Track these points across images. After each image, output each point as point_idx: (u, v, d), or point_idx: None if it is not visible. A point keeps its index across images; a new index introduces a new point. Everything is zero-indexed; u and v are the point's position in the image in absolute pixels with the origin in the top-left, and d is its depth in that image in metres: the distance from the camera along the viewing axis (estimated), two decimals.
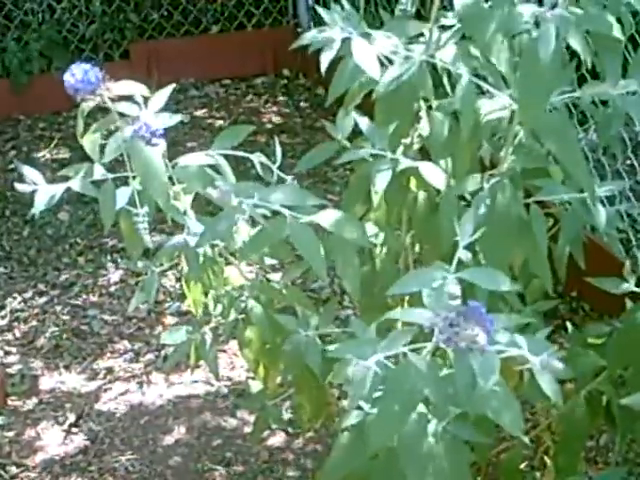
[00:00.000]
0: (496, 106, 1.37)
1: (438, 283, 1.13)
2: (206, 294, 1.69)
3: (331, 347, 1.56)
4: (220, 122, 3.92)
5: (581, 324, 2.56)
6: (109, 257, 2.97)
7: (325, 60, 1.33)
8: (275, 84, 4.13)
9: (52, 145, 3.71)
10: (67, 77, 1.36)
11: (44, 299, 2.81)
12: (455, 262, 1.17)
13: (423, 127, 1.51)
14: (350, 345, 1.20)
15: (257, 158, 1.62)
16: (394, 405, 1.14)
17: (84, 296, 2.81)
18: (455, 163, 1.45)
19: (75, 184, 1.52)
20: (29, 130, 3.85)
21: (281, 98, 4.03)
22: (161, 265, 1.63)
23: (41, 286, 2.87)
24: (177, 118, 1.50)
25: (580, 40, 1.15)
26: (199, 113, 4.00)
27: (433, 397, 1.14)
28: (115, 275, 2.89)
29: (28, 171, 1.49)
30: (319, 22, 4.40)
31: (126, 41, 4.15)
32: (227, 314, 1.69)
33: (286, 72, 4.17)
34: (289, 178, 1.62)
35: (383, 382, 1.13)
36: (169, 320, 2.66)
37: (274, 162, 1.64)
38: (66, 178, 1.55)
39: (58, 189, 1.51)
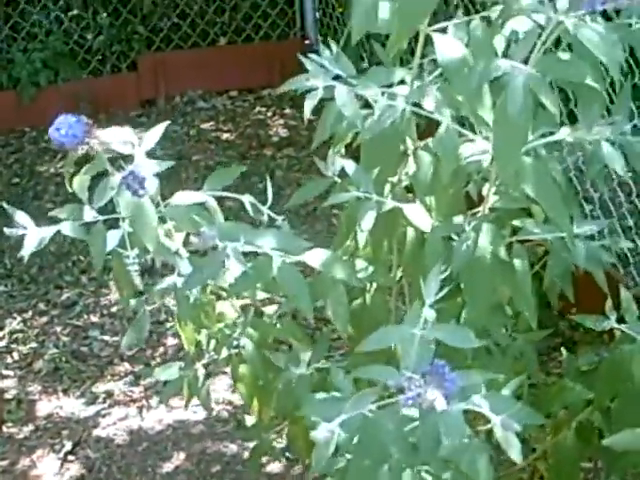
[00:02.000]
0: (477, 150, 1.39)
1: (407, 341, 1.15)
2: (199, 332, 1.71)
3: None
4: (227, 135, 3.95)
5: (581, 341, 2.58)
6: (112, 275, 2.99)
7: (307, 109, 1.36)
8: (282, 96, 4.14)
9: (56, 159, 3.74)
10: (52, 132, 1.37)
11: (44, 319, 2.82)
12: (422, 319, 1.19)
13: (410, 165, 1.54)
14: (316, 405, 1.22)
15: (247, 199, 1.63)
16: (365, 460, 1.16)
17: (85, 316, 2.83)
18: (438, 203, 1.46)
19: (65, 227, 1.53)
20: (34, 143, 3.89)
21: (288, 110, 4.04)
22: (153, 304, 1.65)
23: (42, 305, 2.89)
24: (167, 164, 1.50)
25: (549, 95, 1.16)
26: (206, 125, 4.02)
27: (400, 455, 1.15)
28: (117, 294, 2.90)
29: (18, 215, 1.50)
30: (326, 35, 4.45)
31: (133, 53, 4.18)
32: (220, 351, 1.71)
33: None
34: (280, 218, 1.63)
35: (350, 442, 1.15)
36: (170, 341, 2.68)
37: (265, 202, 1.65)
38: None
39: (47, 232, 1.53)
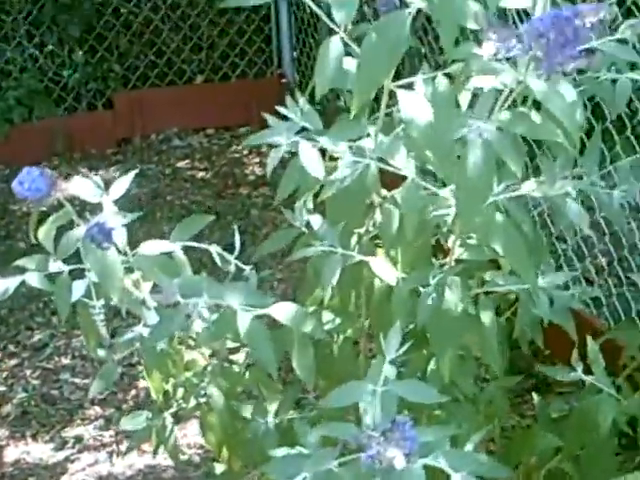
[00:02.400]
0: (442, 204, 1.39)
1: (368, 397, 1.15)
2: (167, 380, 1.70)
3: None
4: (202, 173, 3.95)
5: (555, 383, 2.58)
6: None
7: (270, 165, 1.36)
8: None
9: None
10: (15, 186, 1.37)
11: (14, 361, 2.79)
12: (383, 376, 1.19)
13: (377, 216, 1.54)
14: (279, 462, 1.22)
15: (214, 249, 1.63)
16: None
17: (56, 358, 2.80)
18: (404, 256, 1.47)
19: (31, 277, 1.52)
20: (6, 181, 3.86)
21: (264, 149, 4.05)
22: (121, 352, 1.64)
23: (11, 347, 2.86)
24: (132, 216, 1.50)
25: (511, 154, 1.17)
26: (181, 164, 4.02)
27: None
28: None
29: None
30: (303, 73, 4.46)
31: (110, 90, 4.18)
32: (188, 400, 1.70)
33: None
34: (247, 268, 1.63)
35: None
36: (142, 384, 2.66)
37: (232, 251, 1.65)
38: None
39: (12, 283, 1.52)
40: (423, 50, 2.96)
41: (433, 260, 1.57)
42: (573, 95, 1.15)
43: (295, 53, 4.28)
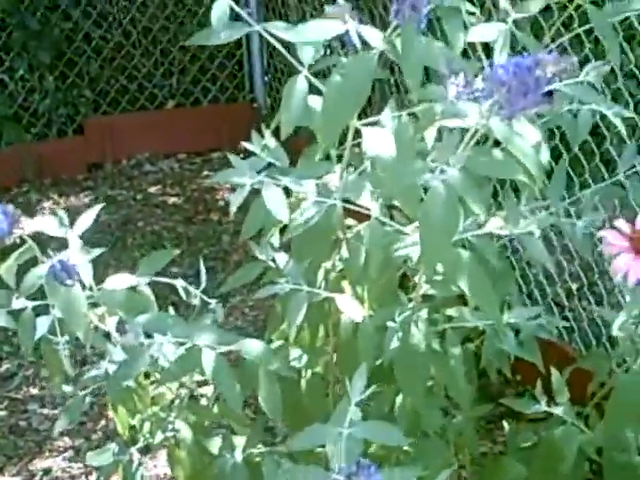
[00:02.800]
0: (407, 241, 1.40)
1: (333, 440, 1.15)
2: (133, 416, 1.70)
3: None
4: (174, 199, 3.94)
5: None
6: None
7: (234, 205, 1.36)
8: (230, 160, 4.14)
9: None
10: None
11: None
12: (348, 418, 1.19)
13: (344, 251, 1.55)
14: None
15: (180, 284, 1.63)
16: None
17: (24, 388, 2.76)
18: (370, 293, 1.47)
19: None
20: None
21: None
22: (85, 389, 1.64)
23: None
24: (97, 252, 1.50)
25: (473, 195, 1.17)
26: (153, 189, 4.01)
27: None
28: None
29: None
30: (275, 98, 4.45)
31: (80, 116, 4.16)
32: (155, 434, 1.70)
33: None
34: (213, 302, 1.63)
35: None
36: (112, 413, 2.63)
37: (198, 286, 1.65)
38: None
39: None
40: (394, 78, 2.98)
41: (400, 294, 1.58)
42: (536, 137, 1.17)
43: (267, 78, 4.29)
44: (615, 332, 1.45)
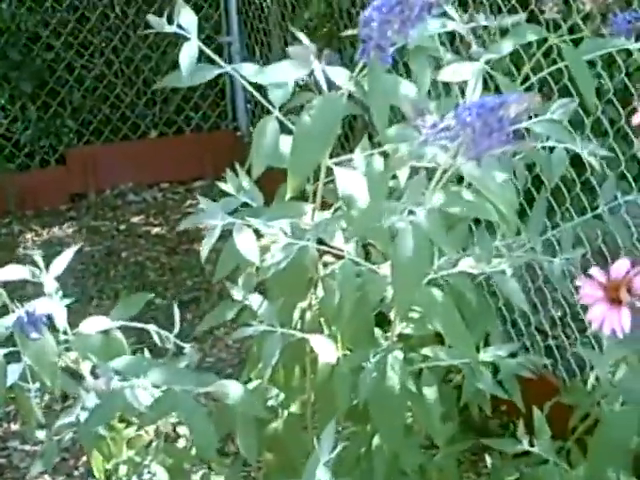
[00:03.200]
0: (380, 282, 1.39)
1: None
2: (108, 460, 1.68)
3: None
4: (157, 229, 3.92)
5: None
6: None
7: (205, 249, 1.35)
8: (212, 188, 4.14)
9: None
10: None
11: None
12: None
13: (319, 290, 1.53)
14: None
15: (154, 329, 1.61)
16: None
17: (5, 425, 2.73)
18: (344, 333, 1.46)
19: None
20: None
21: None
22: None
23: None
24: (67, 301, 1.49)
25: (442, 238, 1.16)
26: (136, 219, 4.00)
27: None
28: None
29: None
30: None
31: (63, 146, 4.15)
32: (131, 478, 1.68)
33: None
34: (188, 346, 1.61)
35: None
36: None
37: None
38: None
39: None
40: None
41: (377, 332, 1.57)
42: (502, 177, 1.16)
43: (249, 105, 4.29)
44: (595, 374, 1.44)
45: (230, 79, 4.27)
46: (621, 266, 1.08)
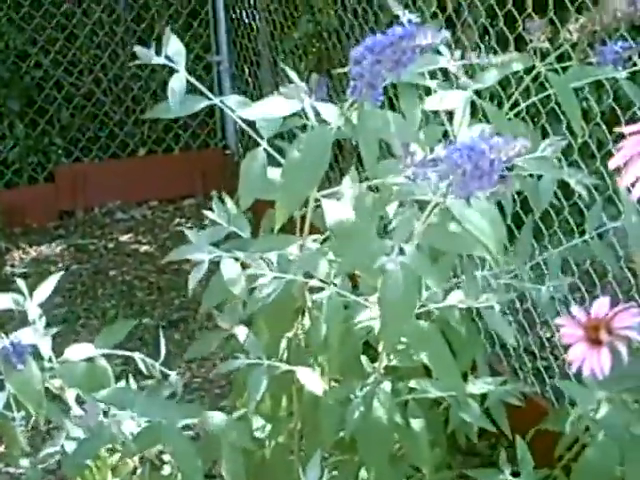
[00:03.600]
0: (367, 314, 1.39)
1: None
2: None
3: None
4: (145, 247, 3.91)
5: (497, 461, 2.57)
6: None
7: (192, 282, 1.34)
8: (201, 206, 4.13)
9: None
10: None
11: None
12: None
13: (306, 320, 1.53)
14: None
15: (138, 357, 1.60)
16: None
17: None
18: (331, 366, 1.45)
19: None
20: None
21: (207, 222, 4.02)
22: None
23: None
24: (52, 331, 1.48)
25: (430, 273, 1.16)
26: (124, 238, 3.99)
27: None
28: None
29: None
30: (247, 144, 4.44)
31: (51, 164, 4.14)
32: None
33: (214, 194, 4.18)
34: (173, 374, 1.60)
35: None
36: None
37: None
38: None
39: None
40: None
41: (364, 360, 1.56)
42: (493, 213, 1.16)
43: (238, 124, 4.28)
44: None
45: (220, 95, 4.25)
46: (601, 305, 1.08)
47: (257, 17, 3.89)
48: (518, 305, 2.62)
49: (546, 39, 1.62)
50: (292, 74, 1.23)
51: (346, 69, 1.11)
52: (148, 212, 4.18)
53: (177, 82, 1.31)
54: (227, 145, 4.32)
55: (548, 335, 2.77)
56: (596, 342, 1.05)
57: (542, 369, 2.64)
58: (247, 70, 4.07)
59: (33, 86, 4.08)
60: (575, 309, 1.06)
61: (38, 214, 4.05)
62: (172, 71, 4.40)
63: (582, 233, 1.88)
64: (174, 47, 1.32)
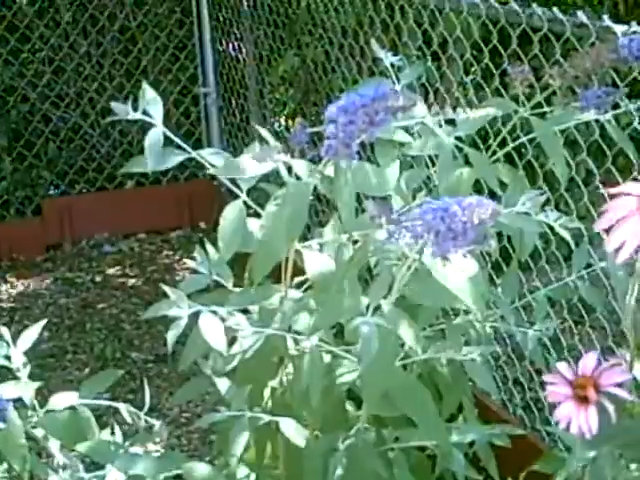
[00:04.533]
0: (349, 367, 1.38)
1: None
2: None
3: None
4: (133, 280, 3.90)
5: None
6: None
7: (170, 339, 1.34)
8: (191, 237, 4.13)
9: None
10: None
11: None
12: None
13: (289, 369, 1.52)
14: None
15: (123, 407, 1.60)
16: None
17: None
18: (313, 418, 1.44)
19: None
20: None
21: (196, 254, 4.01)
22: None
23: None
24: (34, 385, 1.48)
25: (406, 330, 1.16)
26: (112, 271, 3.97)
27: None
28: None
29: None
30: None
31: (38, 197, 4.13)
32: None
33: (202, 225, 4.19)
34: (158, 424, 1.60)
35: None
36: None
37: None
38: None
39: None
40: None
41: (349, 406, 1.56)
42: (472, 270, 1.15)
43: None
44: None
45: (207, 128, 4.27)
46: (589, 361, 1.07)
47: (244, 50, 3.90)
48: (506, 337, 2.62)
49: (527, 85, 1.63)
50: (265, 133, 1.23)
51: (321, 128, 1.11)
52: (136, 244, 4.17)
53: (154, 137, 1.30)
54: (215, 176, 4.31)
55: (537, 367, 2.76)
56: (584, 400, 1.04)
57: (532, 403, 2.63)
58: (234, 102, 4.08)
59: (20, 120, 4.07)
60: (562, 366, 1.05)
61: (26, 247, 4.03)
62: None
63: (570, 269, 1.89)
64: (152, 101, 1.32)
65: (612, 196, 1.01)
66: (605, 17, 1.78)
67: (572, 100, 1.62)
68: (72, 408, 1.57)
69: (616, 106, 1.69)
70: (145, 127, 4.33)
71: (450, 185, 1.37)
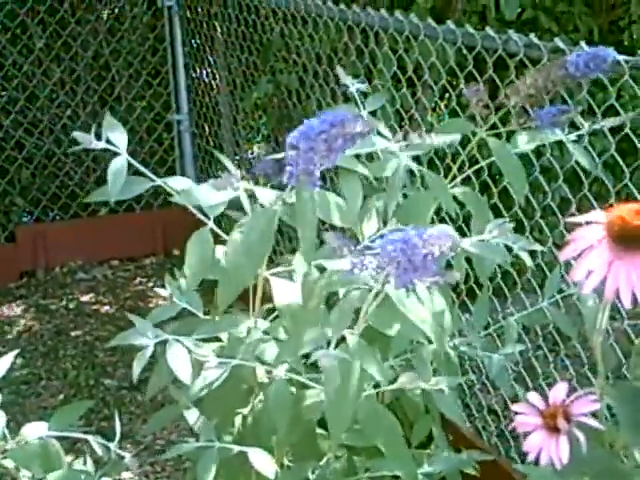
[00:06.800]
0: (318, 397, 1.37)
1: None
2: None
3: None
4: (106, 307, 3.88)
5: None
6: None
7: (137, 368, 1.32)
8: (164, 264, 4.11)
9: None
10: None
11: None
12: None
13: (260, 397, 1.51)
14: None
15: (93, 439, 1.57)
16: None
17: None
18: (279, 450, 1.43)
19: None
20: None
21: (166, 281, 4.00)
22: None
23: None
24: (3, 416, 1.46)
25: (370, 363, 1.15)
26: (85, 298, 3.95)
27: None
28: None
29: None
30: None
31: (12, 224, 4.11)
32: None
33: (176, 252, 4.17)
34: (128, 457, 1.57)
35: None
36: None
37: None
38: None
39: None
40: None
41: (320, 436, 1.54)
42: (435, 302, 1.15)
43: (200, 182, 4.27)
44: None
45: (180, 154, 4.26)
46: (559, 391, 1.06)
47: (217, 76, 3.90)
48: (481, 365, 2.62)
49: (484, 105, 1.63)
50: (227, 162, 1.23)
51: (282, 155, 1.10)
52: (109, 272, 4.15)
53: (118, 166, 1.30)
54: None
55: (509, 395, 2.76)
56: (554, 430, 1.03)
57: (506, 431, 2.63)
58: (208, 129, 4.07)
59: None
60: (532, 395, 1.04)
61: None
62: (133, 129, 4.37)
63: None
64: (115, 131, 1.31)
65: (577, 225, 1.01)
66: (582, 43, 1.78)
67: (527, 119, 1.63)
68: (43, 438, 1.55)
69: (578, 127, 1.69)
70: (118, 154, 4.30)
71: (403, 207, 1.37)
